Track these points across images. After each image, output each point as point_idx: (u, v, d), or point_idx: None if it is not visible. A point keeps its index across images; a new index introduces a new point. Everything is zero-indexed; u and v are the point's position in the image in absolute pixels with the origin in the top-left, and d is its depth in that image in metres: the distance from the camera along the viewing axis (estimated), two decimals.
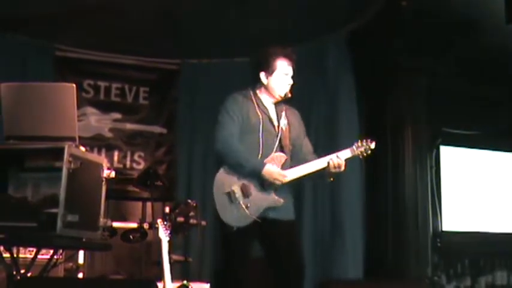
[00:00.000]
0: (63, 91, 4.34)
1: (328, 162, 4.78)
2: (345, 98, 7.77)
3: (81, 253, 6.80)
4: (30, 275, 4.50)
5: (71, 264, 6.65)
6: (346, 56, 7.86)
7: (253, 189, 4.63)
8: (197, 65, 8.74)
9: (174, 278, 6.19)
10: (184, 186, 8.25)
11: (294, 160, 4.88)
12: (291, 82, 5.00)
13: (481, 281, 8.29)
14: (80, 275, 6.78)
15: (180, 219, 6.42)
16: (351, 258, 7.41)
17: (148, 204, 8.14)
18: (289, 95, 4.99)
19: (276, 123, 4.86)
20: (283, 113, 4.95)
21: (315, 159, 4.88)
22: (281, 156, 4.76)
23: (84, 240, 4.42)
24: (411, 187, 7.74)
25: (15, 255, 4.57)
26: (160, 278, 6.14)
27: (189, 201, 6.86)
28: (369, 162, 7.88)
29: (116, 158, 8.62)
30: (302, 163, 4.82)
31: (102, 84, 8.70)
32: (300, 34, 7.85)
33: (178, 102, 8.75)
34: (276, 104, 5.00)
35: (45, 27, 7.74)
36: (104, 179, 4.50)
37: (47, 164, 4.19)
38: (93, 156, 4.48)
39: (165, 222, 6.05)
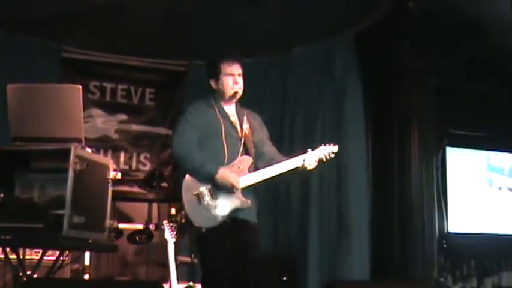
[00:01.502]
0: (69, 92, 4.35)
1: (300, 164, 4.94)
2: (352, 98, 7.76)
3: (87, 254, 6.81)
4: (37, 276, 4.51)
5: (77, 265, 6.66)
6: (353, 56, 7.85)
7: (221, 191, 4.71)
8: (203, 66, 8.72)
9: (180, 279, 6.21)
10: None
11: (258, 162, 5.00)
12: (238, 81, 5.03)
13: (487, 283, 8.27)
14: (86, 277, 6.79)
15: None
16: (357, 259, 7.40)
17: (154, 206, 8.14)
18: (239, 95, 5.05)
19: (238, 128, 4.96)
20: (245, 118, 5.04)
21: (282, 159, 4.99)
22: (247, 159, 4.87)
23: (90, 241, 4.43)
24: (417, 188, 7.73)
25: (21, 257, 4.58)
26: (166, 279, 6.15)
27: None
28: (375, 163, 7.90)
29: (121, 159, 8.62)
30: (269, 164, 4.93)
31: (108, 85, 8.71)
32: (307, 35, 7.86)
33: (184, 104, 8.75)
34: (238, 109, 5.09)
35: (52, 29, 7.75)
36: (110, 181, 4.50)
37: (53, 165, 4.20)
38: (99, 158, 4.50)
39: (171, 224, 6.07)
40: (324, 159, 4.97)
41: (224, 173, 4.68)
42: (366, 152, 7.84)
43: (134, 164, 8.70)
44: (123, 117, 8.70)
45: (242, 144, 4.89)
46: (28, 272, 4.43)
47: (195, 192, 4.66)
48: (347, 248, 7.42)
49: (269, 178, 4.89)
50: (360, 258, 7.42)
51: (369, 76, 7.87)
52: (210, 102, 5.04)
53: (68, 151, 4.05)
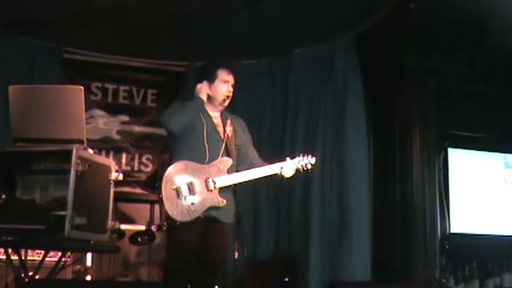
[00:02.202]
0: (71, 94, 4.35)
1: (277, 171, 5.19)
2: (353, 99, 7.76)
3: (89, 255, 6.82)
4: (38, 278, 4.51)
5: (79, 266, 6.66)
6: (354, 57, 7.85)
7: (199, 188, 4.90)
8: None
9: None
10: None
11: (240, 165, 5.26)
12: (231, 90, 5.29)
13: (489, 284, 8.26)
14: (88, 278, 6.79)
15: None
16: (359, 260, 7.40)
17: (156, 207, 8.13)
18: (227, 103, 5.31)
19: (221, 130, 5.20)
20: (229, 121, 5.28)
21: (261, 164, 5.25)
22: (227, 161, 5.07)
23: (92, 242, 4.43)
24: (419, 189, 7.73)
25: (23, 258, 4.58)
26: None
27: None
28: (376, 164, 7.90)
29: (123, 160, 8.62)
30: (250, 167, 5.17)
31: (110, 86, 8.71)
32: (308, 36, 7.86)
33: None
34: (221, 113, 5.33)
35: (54, 30, 7.75)
36: (111, 182, 4.51)
37: (55, 166, 4.20)
38: (101, 159, 4.50)
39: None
40: (301, 170, 5.21)
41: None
42: (368, 152, 7.84)
43: (136, 165, 8.69)
44: (125, 118, 8.70)
45: (224, 146, 5.12)
46: (30, 273, 4.43)
47: (174, 187, 4.84)
48: (349, 249, 7.42)
49: (246, 181, 5.09)
50: (362, 259, 7.42)
51: (370, 77, 7.87)
52: (195, 104, 5.18)
53: (70, 152, 4.05)
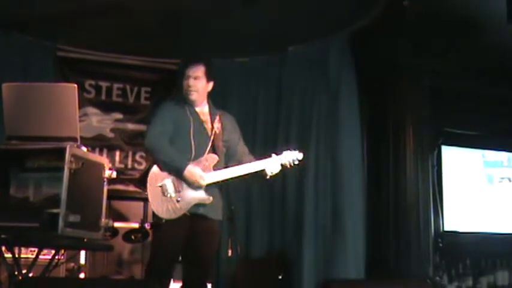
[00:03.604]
0: (64, 91, 4.35)
1: (264, 168, 5.18)
2: (347, 97, 7.76)
3: (82, 253, 6.81)
4: (32, 275, 4.51)
5: (72, 264, 6.66)
6: (348, 55, 7.86)
7: (185, 185, 4.92)
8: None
9: (175, 278, 6.20)
10: None
11: (230, 161, 5.29)
12: (191, 84, 5.23)
13: (482, 281, 8.27)
14: (82, 275, 6.79)
15: None
16: (353, 258, 7.41)
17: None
18: (192, 97, 5.25)
19: (209, 126, 5.20)
20: (217, 118, 5.27)
21: (250, 160, 5.25)
22: (213, 157, 5.07)
23: (85, 240, 4.43)
24: (413, 187, 7.73)
25: (17, 255, 4.57)
26: None
27: None
28: (370, 161, 7.91)
29: (117, 158, 8.61)
30: (239, 163, 5.20)
31: (103, 84, 8.70)
32: (302, 34, 7.86)
33: None
34: (211, 109, 5.35)
35: (47, 28, 7.74)
36: (105, 179, 4.51)
37: (49, 164, 4.21)
38: (95, 157, 4.50)
39: None
40: (288, 165, 5.24)
41: (192, 170, 4.90)
42: (361, 150, 7.85)
43: (130, 162, 8.69)
44: (119, 116, 8.70)
45: (211, 143, 5.12)
46: (23, 271, 4.42)
47: (160, 184, 4.87)
48: (342, 247, 7.42)
49: (233, 177, 5.11)
50: (355, 257, 7.43)
51: (364, 75, 7.87)
52: (181, 102, 5.26)
53: (64, 150, 4.04)
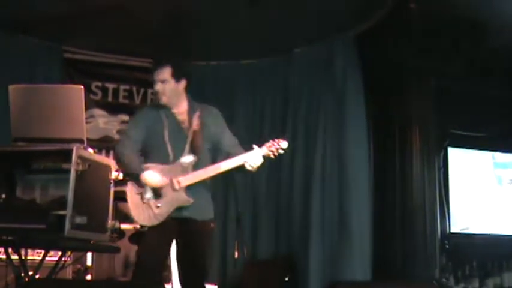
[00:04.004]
0: (71, 93, 4.35)
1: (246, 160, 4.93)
2: (353, 99, 7.77)
3: (89, 255, 6.81)
4: (38, 277, 4.51)
5: (78, 266, 6.66)
6: (354, 57, 7.86)
7: (165, 190, 4.77)
8: (205, 67, 8.74)
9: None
10: None
11: (217, 155, 5.08)
12: (158, 88, 5.01)
13: (489, 283, 8.25)
14: (88, 277, 6.79)
15: None
16: (359, 260, 7.40)
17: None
18: (162, 100, 5.03)
19: (187, 126, 5.02)
20: (196, 114, 5.07)
21: (239, 152, 5.00)
22: (191, 158, 4.89)
23: (92, 242, 4.43)
24: (419, 188, 7.72)
25: (23, 257, 4.58)
26: (168, 280, 6.16)
27: None
28: (376, 163, 7.90)
29: None
30: (227, 157, 4.96)
31: (110, 86, 8.72)
32: (308, 35, 7.86)
33: None
34: (190, 106, 5.14)
35: (54, 29, 7.76)
36: (111, 181, 4.51)
37: (55, 166, 4.20)
38: (101, 158, 4.49)
39: None
40: (272, 156, 5.02)
41: (147, 176, 4.74)
42: (368, 152, 7.85)
43: None
44: (125, 117, 8.69)
45: (189, 143, 4.94)
46: (30, 273, 4.43)
47: (139, 191, 4.74)
48: (349, 249, 7.42)
49: (215, 175, 4.92)
50: (362, 258, 7.42)
51: (370, 76, 7.87)
52: (157, 105, 5.11)
53: (70, 152, 4.05)
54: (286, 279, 7.67)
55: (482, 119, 8.44)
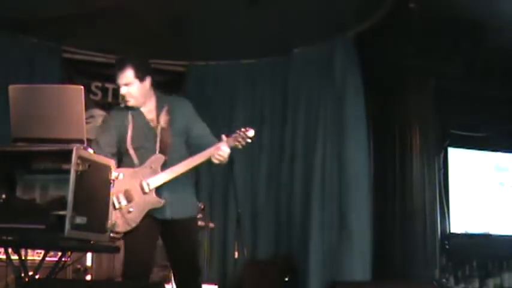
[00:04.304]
0: (71, 93, 4.33)
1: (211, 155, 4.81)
2: (353, 99, 7.77)
3: (89, 255, 6.81)
4: (38, 277, 4.50)
5: (78, 266, 6.66)
6: (354, 57, 7.87)
7: (135, 194, 4.71)
8: (204, 67, 8.74)
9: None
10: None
11: (192, 149, 4.95)
12: (123, 92, 4.89)
13: (489, 283, 8.27)
14: (88, 277, 6.79)
15: None
16: (359, 260, 7.41)
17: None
18: (130, 104, 4.92)
19: (155, 125, 4.91)
20: (164, 111, 4.95)
21: (209, 142, 4.88)
22: (159, 158, 4.80)
23: (92, 242, 4.42)
24: (419, 188, 7.73)
25: (23, 257, 4.57)
26: (169, 280, 6.15)
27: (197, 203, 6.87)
28: (376, 163, 7.90)
29: None
30: (198, 150, 4.86)
31: (110, 86, 8.71)
32: (307, 35, 7.86)
33: None
34: (159, 102, 5.02)
35: (54, 29, 7.76)
36: (112, 181, 4.50)
37: (55, 166, 4.19)
38: (101, 159, 4.47)
39: None
40: (240, 146, 4.93)
41: None
42: (367, 152, 7.85)
43: None
44: None
45: (159, 141, 4.84)
46: (30, 273, 4.42)
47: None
48: (349, 249, 7.43)
49: (184, 172, 4.80)
50: (362, 258, 7.43)
51: (370, 77, 7.88)
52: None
53: (70, 152, 4.03)
54: (286, 279, 7.67)
55: (482, 119, 8.46)
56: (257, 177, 8.42)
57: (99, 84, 8.68)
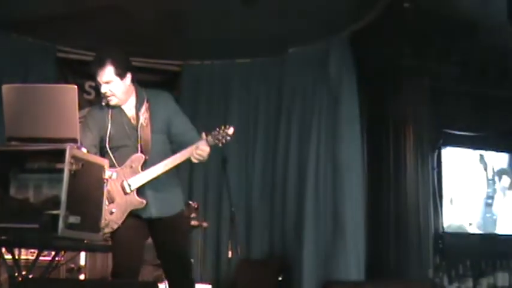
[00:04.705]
0: (64, 93, 4.33)
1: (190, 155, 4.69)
2: (347, 98, 7.78)
3: (82, 254, 6.80)
4: (32, 277, 4.50)
5: (72, 265, 6.65)
6: (349, 56, 7.87)
7: (117, 194, 4.66)
8: (199, 66, 8.74)
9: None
10: (186, 187, 8.21)
11: (173, 146, 4.86)
12: (105, 90, 4.70)
13: (482, 283, 8.27)
14: (82, 277, 6.78)
15: None
16: (353, 259, 7.42)
17: None
18: (113, 102, 4.75)
19: (135, 123, 4.79)
20: (144, 108, 4.83)
21: (190, 140, 4.75)
22: (139, 157, 4.71)
23: (85, 241, 4.42)
24: (413, 188, 7.73)
25: (16, 257, 4.57)
26: (162, 279, 6.14)
27: (191, 202, 6.87)
28: (370, 162, 7.91)
29: None
30: (179, 148, 4.75)
31: None
32: (302, 35, 7.86)
33: (180, 104, 8.73)
34: (138, 99, 4.86)
35: (48, 29, 7.75)
36: (105, 181, 4.50)
37: (49, 165, 4.18)
38: (95, 158, 4.47)
39: None
40: (220, 144, 4.78)
41: None
42: (362, 151, 7.87)
43: None
44: None
45: (139, 140, 4.75)
46: (23, 272, 4.42)
47: None
48: (343, 248, 7.43)
49: (164, 172, 4.71)
50: (356, 258, 7.44)
51: (365, 76, 7.89)
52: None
53: (64, 151, 4.03)
54: (280, 278, 7.68)
55: (476, 118, 8.46)
56: (251, 176, 8.42)
57: (93, 84, 8.63)
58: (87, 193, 4.28)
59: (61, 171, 4.01)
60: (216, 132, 4.74)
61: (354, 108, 7.78)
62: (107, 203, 4.57)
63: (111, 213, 4.63)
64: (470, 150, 8.67)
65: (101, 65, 4.65)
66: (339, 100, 7.81)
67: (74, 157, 4.06)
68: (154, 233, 4.87)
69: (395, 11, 7.31)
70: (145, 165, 4.70)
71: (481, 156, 8.76)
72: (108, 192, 4.62)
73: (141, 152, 4.75)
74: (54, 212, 3.96)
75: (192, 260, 5.64)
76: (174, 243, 4.88)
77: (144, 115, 4.80)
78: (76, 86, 4.30)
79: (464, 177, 8.54)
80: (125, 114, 4.82)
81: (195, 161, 4.71)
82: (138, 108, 4.82)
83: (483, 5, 7.12)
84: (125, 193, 4.68)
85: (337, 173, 7.63)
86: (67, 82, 7.98)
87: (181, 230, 5.07)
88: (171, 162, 4.71)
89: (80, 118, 4.32)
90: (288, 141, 8.10)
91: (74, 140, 4.21)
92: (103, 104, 4.79)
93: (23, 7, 7.14)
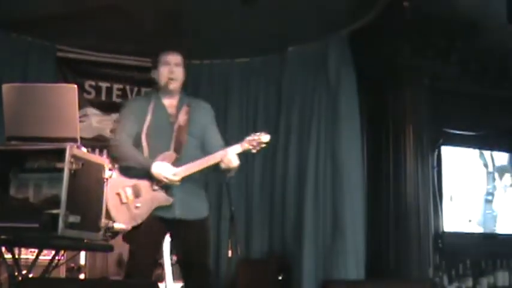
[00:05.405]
0: (64, 92, 4.34)
1: (221, 158, 4.77)
2: (346, 97, 7.76)
3: (82, 254, 6.82)
4: (32, 276, 4.50)
5: (72, 265, 6.66)
6: (348, 56, 7.86)
7: (144, 189, 4.72)
8: (198, 65, 8.73)
9: (175, 279, 6.20)
10: None
11: (202, 152, 4.93)
12: (174, 70, 5.02)
13: (482, 282, 8.27)
14: (82, 276, 6.79)
15: None
16: (353, 259, 7.40)
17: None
18: (173, 84, 5.01)
19: (174, 120, 4.92)
20: (184, 109, 4.98)
21: (218, 149, 4.88)
22: (171, 155, 4.78)
23: (85, 241, 4.43)
24: (413, 187, 7.73)
25: (17, 256, 4.57)
26: (162, 278, 6.16)
27: None
28: (370, 162, 7.91)
29: None
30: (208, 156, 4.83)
31: (103, 85, 8.70)
32: (301, 34, 7.86)
33: None
34: (181, 100, 5.05)
35: (47, 28, 7.74)
36: (105, 180, 4.51)
37: (49, 164, 4.20)
38: (95, 157, 4.49)
39: None
40: (254, 150, 4.89)
41: (158, 169, 4.68)
42: (361, 151, 7.86)
43: None
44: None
45: (174, 138, 4.85)
46: (23, 272, 4.42)
47: (117, 191, 4.71)
48: (342, 248, 7.42)
49: (194, 172, 4.78)
50: (355, 257, 7.42)
51: (364, 75, 7.88)
52: (150, 96, 5.09)
53: (64, 150, 4.04)
54: (280, 278, 7.68)
55: (476, 118, 8.46)
56: (251, 175, 8.41)
57: (93, 83, 8.66)
58: (87, 192, 4.29)
59: (61, 170, 4.03)
60: (251, 138, 4.87)
61: (354, 107, 7.76)
62: (132, 196, 4.67)
63: (136, 207, 4.68)
64: (470, 149, 8.67)
65: (173, 49, 5.03)
66: (338, 99, 7.79)
67: (73, 156, 4.07)
68: (176, 234, 4.89)
69: (394, 10, 7.31)
70: (175, 165, 4.75)
71: (481, 152, 8.76)
72: (135, 186, 4.70)
73: (174, 150, 4.80)
74: (54, 211, 3.97)
75: None
76: (196, 248, 4.89)
77: (182, 117, 4.92)
78: (76, 86, 4.32)
79: (464, 175, 8.53)
80: (166, 110, 4.95)
81: (224, 166, 4.76)
82: (178, 108, 4.96)
83: (483, 5, 7.12)
84: (153, 189, 4.72)
85: (336, 172, 7.62)
86: (67, 81, 7.97)
87: (205, 235, 5.04)
88: (203, 163, 4.77)
89: (79, 117, 4.33)
90: (287, 141, 8.09)
91: (74, 140, 4.22)
92: (164, 84, 5.00)
93: (23, 7, 7.13)
